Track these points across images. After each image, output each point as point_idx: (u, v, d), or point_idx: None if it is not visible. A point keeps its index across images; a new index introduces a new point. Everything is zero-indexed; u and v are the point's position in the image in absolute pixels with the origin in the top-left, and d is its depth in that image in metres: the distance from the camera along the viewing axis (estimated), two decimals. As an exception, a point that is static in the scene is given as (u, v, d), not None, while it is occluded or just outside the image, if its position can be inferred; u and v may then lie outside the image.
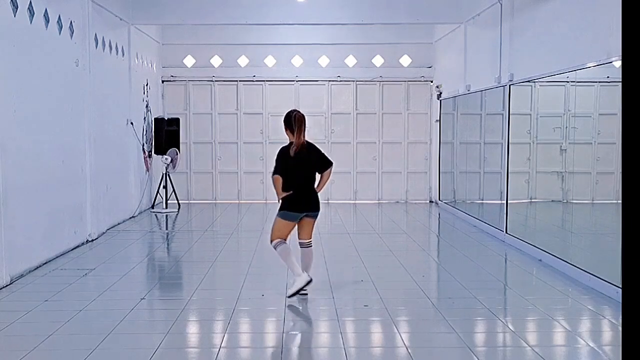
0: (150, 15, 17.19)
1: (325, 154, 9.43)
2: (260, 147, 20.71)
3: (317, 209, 9.27)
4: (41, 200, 11.14)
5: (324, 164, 9.31)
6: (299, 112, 9.30)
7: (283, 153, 9.13)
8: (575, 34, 10.99)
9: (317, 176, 9.35)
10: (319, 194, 9.29)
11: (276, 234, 9.19)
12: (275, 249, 9.20)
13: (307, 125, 9.29)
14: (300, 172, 9.07)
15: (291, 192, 9.04)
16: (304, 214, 9.18)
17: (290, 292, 9.04)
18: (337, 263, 11.47)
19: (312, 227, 9.37)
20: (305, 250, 9.31)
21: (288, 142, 9.20)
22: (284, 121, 9.32)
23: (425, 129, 20.88)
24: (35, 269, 10.69)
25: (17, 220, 10.11)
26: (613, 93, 10.07)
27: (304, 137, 9.15)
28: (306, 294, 9.08)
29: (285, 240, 9.18)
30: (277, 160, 9.15)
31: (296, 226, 9.28)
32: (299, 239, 9.34)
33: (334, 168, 9.51)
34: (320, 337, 7.64)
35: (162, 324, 8.02)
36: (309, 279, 9.02)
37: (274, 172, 9.13)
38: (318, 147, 9.48)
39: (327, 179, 9.39)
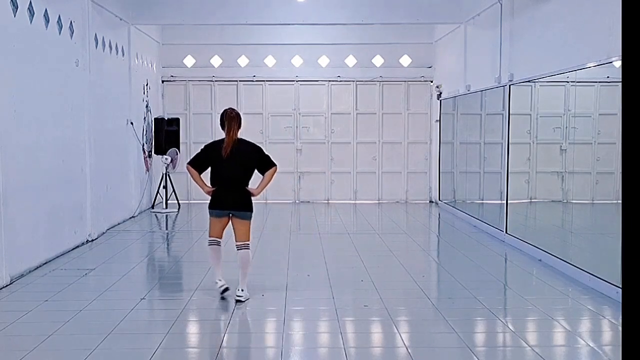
0: (150, 15, 17.18)
1: (268, 155, 9.24)
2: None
3: (244, 209, 9.08)
4: (41, 200, 11.15)
5: (266, 165, 9.15)
6: (232, 110, 9.13)
7: (208, 147, 9.24)
8: (575, 33, 11.00)
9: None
10: (259, 194, 9.18)
11: (210, 231, 9.29)
12: (207, 245, 9.36)
13: (242, 124, 9.13)
14: (226, 170, 8.97)
15: (215, 188, 9.11)
16: (228, 212, 9.10)
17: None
18: (337, 263, 11.47)
19: (245, 228, 9.13)
20: (239, 253, 9.13)
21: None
22: (219, 119, 9.21)
23: (425, 129, 20.88)
24: (35, 269, 10.70)
25: (17, 221, 10.12)
26: (613, 93, 10.07)
27: (234, 135, 8.97)
28: (241, 301, 8.93)
29: (217, 238, 9.22)
30: (199, 151, 9.20)
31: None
32: (235, 240, 9.19)
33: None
34: (320, 337, 7.64)
35: (162, 324, 8.02)
36: (222, 288, 9.06)
37: (189, 162, 9.26)
38: (260, 147, 9.30)
39: (270, 180, 9.19)
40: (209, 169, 9.23)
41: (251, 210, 9.15)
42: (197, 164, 9.22)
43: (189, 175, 9.39)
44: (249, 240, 9.16)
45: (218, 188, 9.10)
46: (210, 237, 9.28)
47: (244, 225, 9.12)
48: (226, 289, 9.07)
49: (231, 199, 9.04)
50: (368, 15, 17.11)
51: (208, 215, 9.28)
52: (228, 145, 8.94)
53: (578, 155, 10.95)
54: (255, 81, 20.68)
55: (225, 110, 9.18)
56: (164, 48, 20.43)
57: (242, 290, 8.99)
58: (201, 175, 9.25)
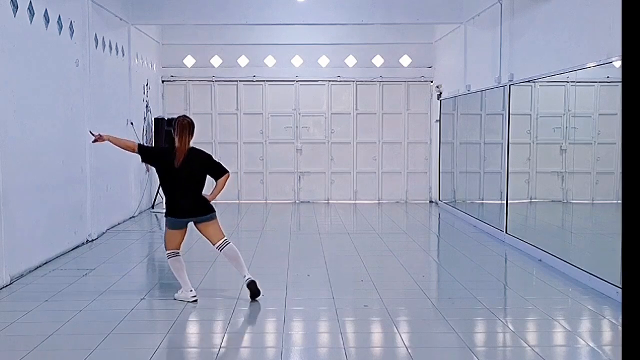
0: (150, 15, 17.19)
1: (220, 163, 9.23)
2: (260, 147, 20.72)
3: (204, 213, 8.97)
4: (41, 201, 11.16)
5: (218, 172, 9.10)
6: (185, 118, 9.00)
7: (159, 152, 9.48)
8: (575, 33, 11.00)
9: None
10: (214, 199, 9.09)
11: (168, 243, 9.08)
12: (167, 258, 9.15)
13: (195, 132, 9.05)
14: (180, 179, 8.82)
15: (168, 196, 8.95)
16: (187, 221, 8.99)
17: (176, 296, 9.06)
18: (337, 263, 11.47)
19: (215, 228, 9.07)
20: (224, 252, 9.10)
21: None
22: (172, 126, 9.05)
23: (425, 129, 20.89)
24: (35, 269, 10.71)
25: (17, 221, 10.12)
26: (613, 93, 10.07)
27: (186, 144, 8.84)
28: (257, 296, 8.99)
29: (177, 250, 9.06)
30: (152, 147, 9.03)
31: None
32: (213, 245, 9.13)
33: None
34: (320, 337, 7.64)
35: (162, 324, 8.02)
36: (192, 299, 8.89)
37: (139, 147, 9.10)
38: (210, 155, 9.27)
39: (223, 186, 9.10)
40: (157, 175, 9.17)
41: (213, 211, 9.06)
42: (145, 153, 9.10)
43: (118, 145, 9.27)
44: (224, 237, 9.12)
45: (172, 197, 8.91)
46: (169, 250, 9.08)
47: (212, 226, 9.06)
48: (194, 300, 8.91)
49: (188, 207, 8.89)
50: (368, 16, 17.12)
51: (165, 227, 9.08)
52: (180, 155, 8.79)
53: (578, 155, 10.94)
54: (255, 81, 20.68)
55: (177, 118, 9.01)
56: (164, 48, 20.45)
57: (246, 275, 8.98)
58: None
